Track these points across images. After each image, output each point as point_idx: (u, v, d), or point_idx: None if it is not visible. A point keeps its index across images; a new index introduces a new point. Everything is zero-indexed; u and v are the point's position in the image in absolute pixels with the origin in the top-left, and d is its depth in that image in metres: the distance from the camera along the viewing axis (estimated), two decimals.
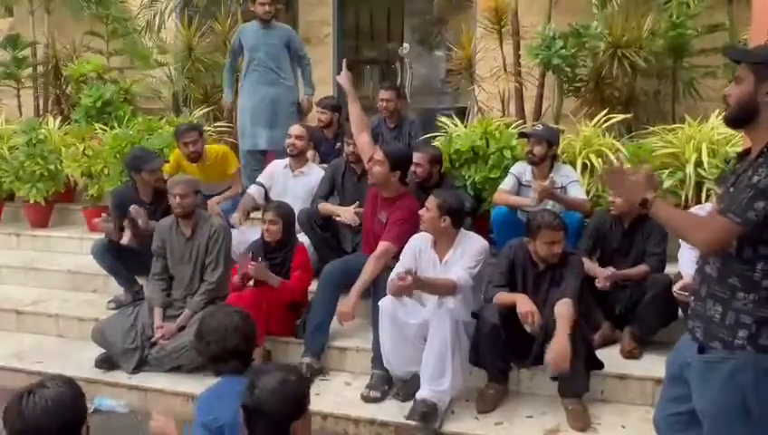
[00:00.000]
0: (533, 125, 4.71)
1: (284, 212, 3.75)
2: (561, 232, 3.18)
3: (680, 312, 3.34)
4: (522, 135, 4.19)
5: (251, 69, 5.31)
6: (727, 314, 1.87)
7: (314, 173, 4.51)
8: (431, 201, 3.30)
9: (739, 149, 2.19)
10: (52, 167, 5.32)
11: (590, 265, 3.50)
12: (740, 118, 1.91)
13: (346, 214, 4.01)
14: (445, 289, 3.15)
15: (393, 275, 3.24)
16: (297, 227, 3.96)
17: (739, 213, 1.79)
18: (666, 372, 2.14)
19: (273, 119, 5.24)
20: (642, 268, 3.48)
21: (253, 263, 3.56)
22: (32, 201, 5.36)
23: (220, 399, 2.18)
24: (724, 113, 1.97)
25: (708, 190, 4.06)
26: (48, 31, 6.90)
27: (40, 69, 7.01)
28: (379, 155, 3.60)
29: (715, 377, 1.87)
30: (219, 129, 6.02)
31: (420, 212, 3.34)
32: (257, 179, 4.64)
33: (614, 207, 3.58)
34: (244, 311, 2.42)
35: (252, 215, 4.61)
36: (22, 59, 6.80)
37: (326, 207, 4.14)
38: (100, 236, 4.38)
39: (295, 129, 4.57)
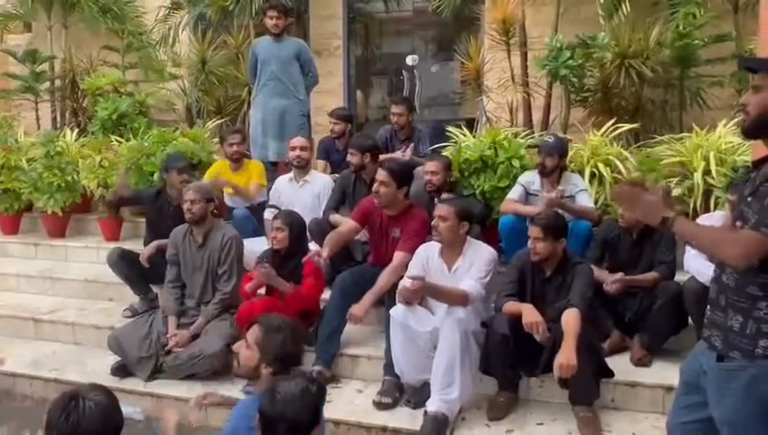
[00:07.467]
0: (542, 135, 4.74)
1: (292, 220, 3.71)
2: (537, 228, 3.21)
3: (690, 320, 3.33)
4: (532, 146, 4.20)
5: (263, 81, 5.42)
6: (748, 323, 1.83)
7: (318, 180, 4.56)
8: (446, 210, 3.27)
9: (748, 158, 2.14)
10: (69, 178, 5.40)
11: (599, 272, 3.50)
12: (761, 127, 1.84)
13: None
14: (456, 298, 3.13)
15: (402, 283, 3.23)
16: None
17: None
18: (680, 380, 2.11)
19: (281, 130, 5.32)
20: (652, 275, 3.47)
21: (264, 265, 3.56)
22: (49, 212, 5.44)
23: None
24: (743, 123, 1.90)
25: (717, 199, 4.06)
26: (65, 45, 7.02)
27: (58, 83, 7.13)
28: (382, 175, 3.54)
29: (734, 386, 1.85)
30: None
31: (434, 223, 3.30)
32: (269, 202, 4.66)
33: (623, 220, 3.57)
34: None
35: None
36: (40, 73, 6.93)
37: (337, 218, 4.16)
38: (116, 245, 4.46)
39: (299, 140, 4.61)
